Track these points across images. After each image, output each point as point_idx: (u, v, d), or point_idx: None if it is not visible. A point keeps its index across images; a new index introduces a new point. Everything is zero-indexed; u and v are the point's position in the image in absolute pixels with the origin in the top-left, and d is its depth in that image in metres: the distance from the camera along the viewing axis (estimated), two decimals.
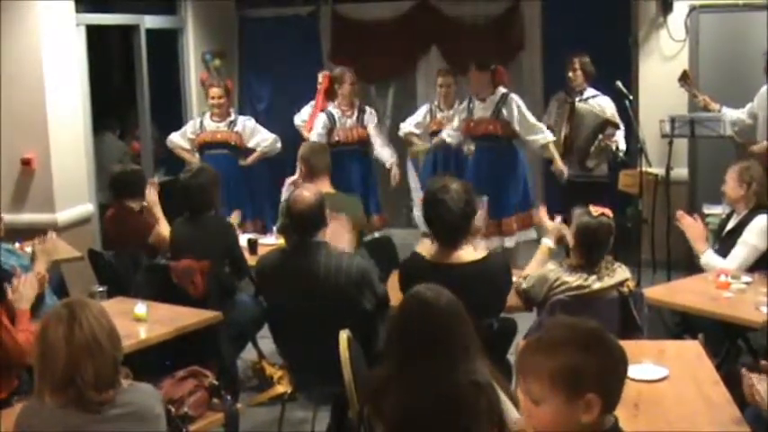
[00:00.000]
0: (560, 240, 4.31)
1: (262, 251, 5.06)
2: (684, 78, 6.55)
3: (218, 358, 4.36)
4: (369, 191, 6.89)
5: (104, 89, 7.48)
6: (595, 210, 3.87)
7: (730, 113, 6.29)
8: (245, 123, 7.01)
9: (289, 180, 5.68)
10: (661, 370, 3.24)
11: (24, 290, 3.75)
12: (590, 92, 6.60)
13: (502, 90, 6.41)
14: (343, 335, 3.33)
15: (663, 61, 7.03)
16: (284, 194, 5.53)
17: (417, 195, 7.24)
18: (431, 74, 7.83)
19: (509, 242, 6.51)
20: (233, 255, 4.96)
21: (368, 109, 7.00)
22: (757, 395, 2.98)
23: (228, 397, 3.65)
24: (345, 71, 6.84)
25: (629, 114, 6.34)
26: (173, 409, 3.27)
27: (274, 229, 5.67)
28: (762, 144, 5.96)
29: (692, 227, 4.77)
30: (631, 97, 6.34)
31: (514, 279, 3.99)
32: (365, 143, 6.90)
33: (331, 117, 6.81)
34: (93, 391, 2.43)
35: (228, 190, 6.82)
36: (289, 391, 4.48)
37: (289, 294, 3.97)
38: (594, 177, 6.57)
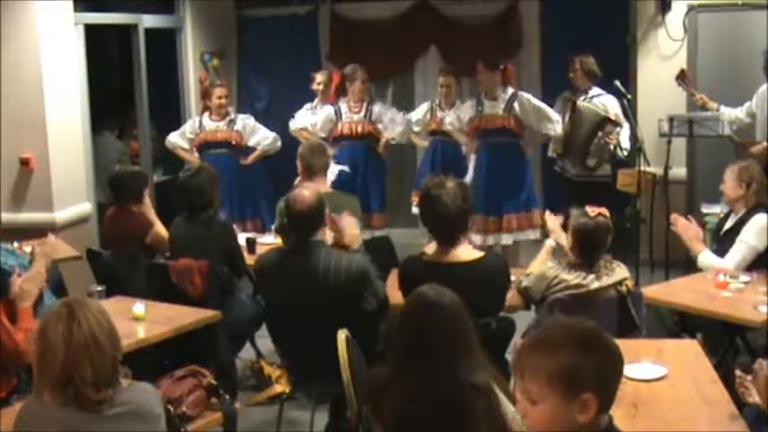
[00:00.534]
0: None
1: (260, 250, 5.05)
2: (682, 77, 6.55)
3: (217, 358, 4.36)
4: (373, 188, 6.90)
5: (103, 88, 7.49)
6: (592, 210, 3.88)
7: (728, 112, 6.30)
8: (245, 122, 7.02)
9: (297, 182, 5.68)
10: (659, 369, 3.24)
11: (27, 287, 3.75)
12: (595, 91, 6.59)
13: (511, 89, 6.47)
14: (342, 334, 3.33)
15: (661, 60, 7.03)
16: None
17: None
18: (429, 73, 7.83)
19: (507, 239, 6.52)
20: (232, 254, 4.95)
21: (378, 105, 7.00)
22: (749, 397, 2.99)
23: (227, 396, 3.65)
24: (357, 69, 6.85)
25: (627, 113, 6.35)
26: (171, 409, 3.27)
27: (273, 228, 5.68)
28: (761, 145, 5.96)
29: (687, 229, 4.77)
30: (629, 96, 6.34)
31: (514, 278, 3.99)
32: (371, 139, 6.89)
33: (337, 111, 6.85)
34: (93, 389, 2.43)
35: (229, 190, 6.84)
36: (287, 391, 4.50)
37: (287, 294, 3.97)
38: (597, 177, 6.56)
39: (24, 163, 5.93)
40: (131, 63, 7.17)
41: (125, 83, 8.00)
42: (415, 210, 6.79)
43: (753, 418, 2.98)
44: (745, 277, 4.34)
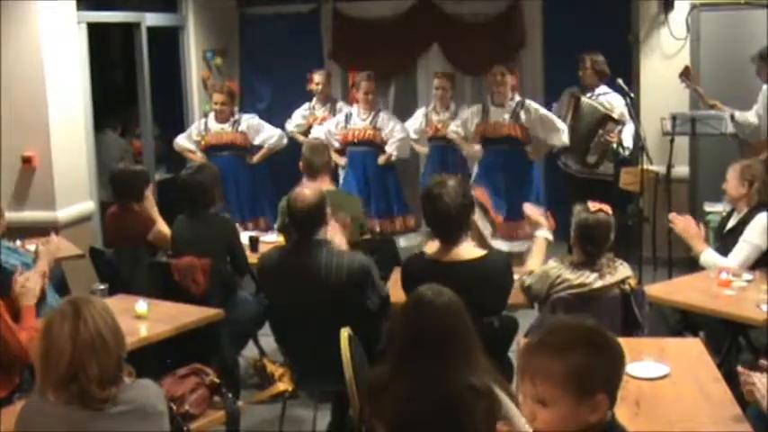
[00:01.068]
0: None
1: (263, 249, 5.06)
2: (685, 74, 6.55)
3: (220, 356, 4.36)
4: (387, 193, 6.90)
5: (105, 87, 7.48)
6: (593, 206, 3.88)
7: (739, 116, 6.28)
8: (250, 122, 7.01)
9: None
10: (662, 367, 3.24)
11: (31, 285, 3.75)
12: (602, 89, 6.58)
13: (518, 96, 6.47)
14: (344, 333, 3.33)
15: (664, 59, 7.02)
16: None
17: None
18: (431, 72, 7.82)
19: (520, 246, 6.37)
20: (234, 252, 4.96)
21: (383, 113, 7.00)
22: (758, 393, 2.98)
23: (230, 395, 3.64)
24: (363, 79, 6.89)
25: (630, 112, 6.34)
26: (174, 407, 3.27)
27: (275, 227, 5.68)
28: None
29: (687, 228, 4.75)
30: (632, 95, 6.33)
31: (516, 277, 3.98)
32: (376, 145, 6.88)
33: (348, 116, 6.90)
34: (97, 387, 2.43)
35: (236, 191, 6.84)
36: (290, 389, 4.49)
37: (289, 292, 3.98)
38: (599, 175, 6.55)
39: (27, 161, 5.94)
40: (134, 61, 7.17)
41: (127, 81, 8.00)
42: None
43: (755, 416, 2.98)
44: (747, 276, 4.33)
